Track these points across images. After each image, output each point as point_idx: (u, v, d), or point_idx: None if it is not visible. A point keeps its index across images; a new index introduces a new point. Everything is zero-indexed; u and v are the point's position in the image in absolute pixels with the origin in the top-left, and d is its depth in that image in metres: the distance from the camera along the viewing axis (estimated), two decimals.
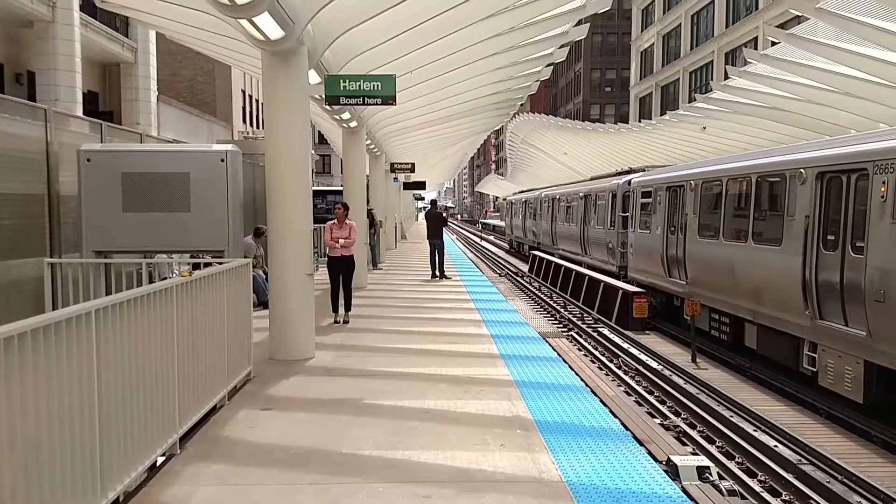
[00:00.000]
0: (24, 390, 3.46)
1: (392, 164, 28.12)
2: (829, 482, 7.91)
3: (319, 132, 44.93)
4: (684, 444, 9.43)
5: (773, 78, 19.41)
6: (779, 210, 12.13)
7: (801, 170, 11.38)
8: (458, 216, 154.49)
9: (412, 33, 10.90)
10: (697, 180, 15.74)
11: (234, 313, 7.14)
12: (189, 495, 4.85)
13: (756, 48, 32.36)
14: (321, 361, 8.94)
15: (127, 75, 28.23)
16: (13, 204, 7.86)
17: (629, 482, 5.10)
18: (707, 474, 7.79)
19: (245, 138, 37.43)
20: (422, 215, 71.76)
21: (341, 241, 11.58)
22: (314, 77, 10.18)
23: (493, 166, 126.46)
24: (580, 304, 21.58)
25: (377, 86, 10.11)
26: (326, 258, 12.10)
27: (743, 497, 7.83)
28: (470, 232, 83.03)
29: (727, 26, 44.78)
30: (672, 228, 17.00)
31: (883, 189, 9.41)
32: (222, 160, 8.57)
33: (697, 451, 9.15)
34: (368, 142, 19.39)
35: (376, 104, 10.44)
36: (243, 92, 43.98)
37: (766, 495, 7.87)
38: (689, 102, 36.50)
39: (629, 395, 11.85)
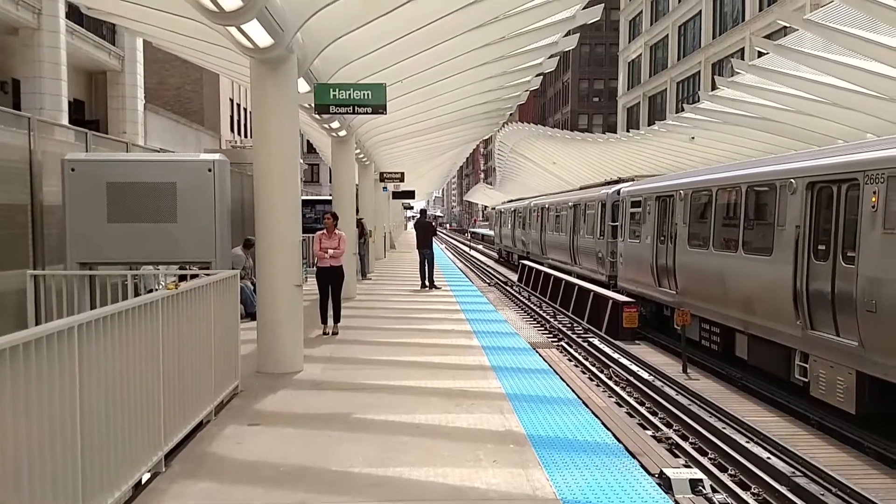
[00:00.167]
0: (2, 409, 3.33)
1: (381, 174, 28.02)
2: (823, 494, 7.86)
3: (308, 141, 44.81)
4: (677, 456, 9.36)
5: (762, 88, 19.47)
6: (769, 220, 12.13)
7: (792, 180, 11.38)
8: (447, 225, 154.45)
9: (402, 42, 10.84)
10: (687, 190, 15.74)
11: (222, 326, 7.00)
12: None
13: (743, 59, 32.61)
14: (310, 375, 8.81)
15: (113, 83, 28.04)
16: None
17: (624, 498, 5.00)
18: (700, 487, 7.72)
19: (233, 147, 37.23)
20: (411, 224, 71.66)
21: (330, 251, 11.46)
22: (303, 86, 10.08)
23: (482, 175, 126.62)
24: (570, 314, 21.53)
25: (368, 94, 10.02)
26: (315, 269, 11.97)
27: None
28: (459, 241, 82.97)
29: (714, 37, 45.07)
30: (662, 238, 16.99)
31: (874, 199, 9.40)
32: (210, 170, 8.45)
33: (690, 464, 9.08)
34: (358, 151, 19.29)
35: (367, 113, 10.34)
36: (231, 100, 43.82)
37: None
38: (677, 113, 36.66)
39: (620, 406, 11.77)
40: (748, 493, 8.30)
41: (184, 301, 5.87)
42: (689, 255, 15.40)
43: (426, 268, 18.62)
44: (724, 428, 10.05)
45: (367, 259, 21.39)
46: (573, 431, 6.51)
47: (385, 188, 30.29)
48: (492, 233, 62.66)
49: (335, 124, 14.56)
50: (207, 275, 7.34)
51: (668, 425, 10.73)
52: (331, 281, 11.60)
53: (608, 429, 8.07)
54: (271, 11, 7.29)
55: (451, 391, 7.93)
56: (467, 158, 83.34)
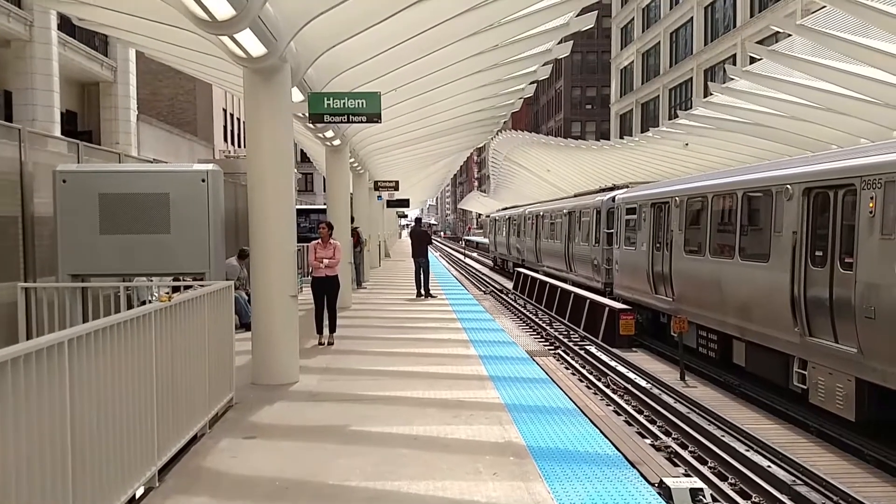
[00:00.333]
0: None
1: (376, 182, 27.96)
2: (824, 503, 7.79)
3: (301, 150, 44.79)
4: (676, 464, 9.29)
5: (755, 94, 19.50)
6: (766, 226, 12.09)
7: (788, 185, 11.35)
8: (442, 233, 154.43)
9: (396, 50, 10.79)
10: (682, 196, 15.72)
11: (216, 338, 6.91)
12: None
13: (735, 65, 32.69)
14: (306, 386, 8.71)
15: (106, 94, 27.94)
16: None
17: None
18: (701, 497, 7.62)
19: (226, 157, 37.16)
20: (405, 233, 71.62)
21: (326, 260, 11.38)
22: (297, 95, 10.02)
23: (476, 183, 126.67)
24: (566, 322, 21.46)
25: (362, 103, 9.96)
26: (311, 278, 11.88)
27: None
28: (453, 249, 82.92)
29: (706, 44, 45.25)
30: (657, 245, 16.95)
31: (871, 204, 9.37)
32: (203, 180, 8.34)
33: (690, 473, 9.00)
34: (352, 160, 19.23)
35: (361, 122, 10.27)
36: (224, 111, 43.75)
37: None
38: (670, 119, 36.74)
39: (619, 414, 11.70)
40: (749, 501, 8.23)
41: (177, 313, 5.78)
42: (685, 262, 15.36)
43: (422, 276, 18.54)
44: (723, 436, 9.98)
45: (362, 268, 21.29)
46: (573, 442, 6.43)
47: (380, 197, 30.24)
48: (486, 241, 62.66)
49: (329, 133, 14.50)
50: (202, 286, 7.25)
51: (667, 434, 10.66)
52: (326, 291, 11.52)
53: (608, 438, 8.00)
54: (264, 21, 7.23)
55: (448, 402, 7.84)
56: (461, 166, 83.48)
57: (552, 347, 18.13)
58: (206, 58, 10.84)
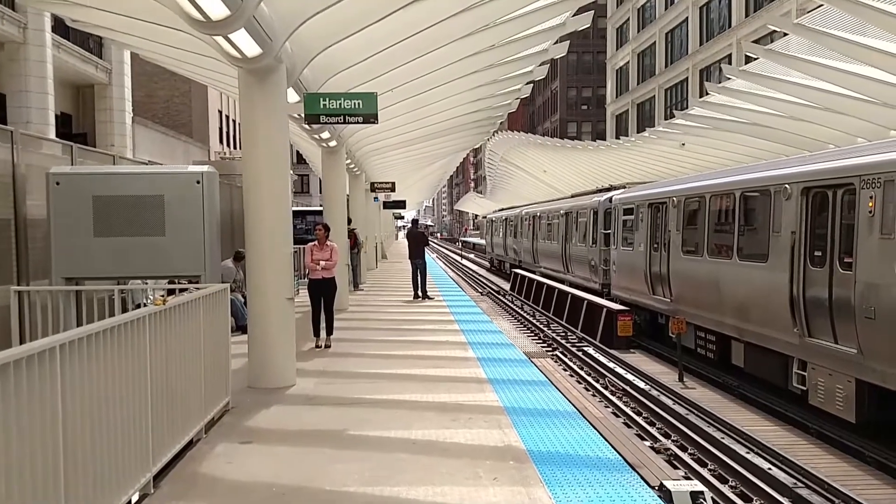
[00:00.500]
0: None
1: (372, 184, 27.89)
2: None
3: (297, 152, 44.68)
4: (676, 467, 9.22)
5: (752, 94, 19.47)
6: (764, 226, 12.04)
7: (786, 185, 11.30)
8: (438, 234, 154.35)
9: (392, 51, 10.73)
10: (680, 197, 15.67)
11: (212, 341, 6.83)
12: None
13: (730, 65, 32.69)
14: (303, 389, 8.63)
15: (101, 97, 27.82)
16: None
17: None
18: (701, 500, 7.54)
19: (222, 159, 37.03)
20: (401, 234, 71.50)
21: (322, 262, 11.29)
22: (293, 96, 9.94)
23: (473, 184, 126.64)
24: (563, 323, 21.40)
25: (358, 104, 9.88)
26: (307, 281, 11.80)
27: None
28: (450, 250, 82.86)
29: (701, 44, 45.27)
30: (655, 245, 16.90)
31: (871, 204, 9.32)
32: (198, 182, 8.28)
33: (690, 475, 8.94)
34: (348, 161, 19.16)
35: (358, 123, 10.19)
36: (220, 112, 43.64)
37: None
38: (666, 119, 36.74)
39: (617, 416, 11.63)
40: None
41: (172, 316, 5.70)
42: (683, 263, 15.30)
43: (419, 278, 18.46)
44: (723, 438, 9.91)
45: (359, 270, 21.22)
46: (573, 446, 6.36)
47: (376, 198, 30.16)
48: (483, 242, 62.58)
49: (325, 134, 14.43)
50: (197, 288, 7.17)
51: (667, 436, 10.59)
52: (323, 293, 11.43)
53: (607, 441, 7.93)
54: (259, 21, 7.16)
55: (447, 405, 7.77)
56: (457, 168, 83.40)
57: (550, 349, 18.06)
58: (200, 59, 10.76)
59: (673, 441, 10.31)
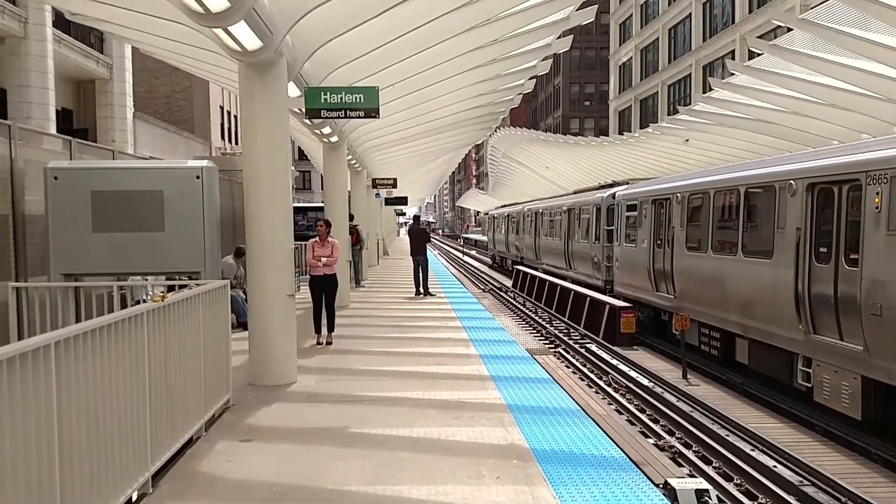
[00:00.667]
0: None
1: (374, 180, 27.79)
2: None
3: (299, 148, 44.57)
4: (680, 465, 9.14)
5: (756, 89, 19.35)
6: (768, 222, 11.94)
7: (792, 181, 11.20)
8: (440, 231, 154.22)
9: (394, 45, 10.62)
10: (684, 193, 15.56)
11: (212, 338, 6.75)
12: None
13: (734, 61, 32.51)
14: (304, 386, 8.55)
15: (102, 92, 27.72)
16: None
17: None
18: (706, 498, 7.47)
19: (223, 154, 36.94)
20: (403, 230, 71.45)
21: (324, 259, 11.22)
22: (293, 90, 9.84)
23: (474, 181, 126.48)
24: (566, 320, 21.31)
25: (360, 98, 9.79)
26: (308, 277, 11.72)
27: None
28: (452, 247, 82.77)
29: (704, 40, 45.09)
30: (659, 242, 16.80)
31: (877, 200, 9.23)
32: (198, 177, 8.19)
33: (694, 473, 8.86)
34: (350, 157, 19.06)
35: (359, 117, 10.10)
36: (221, 108, 43.51)
37: None
38: (669, 115, 36.59)
39: (621, 413, 11.56)
40: (755, 503, 8.08)
41: (171, 313, 5.62)
42: (686, 259, 15.21)
43: (420, 274, 18.38)
44: (727, 435, 9.83)
45: (361, 266, 21.14)
46: (577, 444, 6.28)
47: (377, 194, 30.08)
48: (485, 238, 62.49)
49: (326, 130, 14.33)
50: (198, 285, 7.09)
51: (671, 433, 10.51)
52: (324, 289, 11.36)
53: (611, 439, 7.85)
54: (259, 13, 7.06)
55: (449, 402, 7.69)
56: (459, 164, 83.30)
57: (553, 346, 17.98)
58: (201, 52, 10.67)
59: (677, 438, 10.23)
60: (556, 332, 19.49)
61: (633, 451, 8.92)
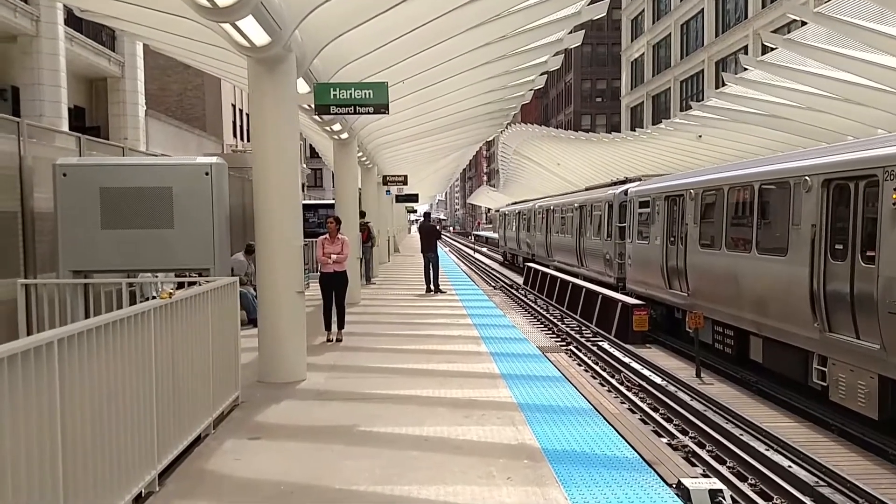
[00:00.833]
0: None
1: (384, 177, 27.74)
2: None
3: (311, 145, 44.62)
4: (694, 464, 9.03)
5: (770, 84, 19.15)
6: (783, 219, 11.79)
7: (807, 177, 11.04)
8: (451, 228, 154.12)
9: (403, 41, 10.55)
10: (698, 189, 15.41)
11: (220, 335, 6.71)
12: None
13: (747, 56, 32.24)
14: (313, 384, 8.50)
15: (114, 90, 27.79)
16: None
17: None
18: (720, 498, 7.36)
19: (233, 151, 37.00)
20: (414, 228, 71.40)
21: (333, 256, 11.16)
22: (303, 86, 9.79)
23: (485, 178, 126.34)
24: (577, 317, 21.18)
25: (369, 94, 9.72)
26: (318, 274, 11.67)
27: None
28: (463, 244, 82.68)
29: (717, 35, 44.75)
30: (672, 239, 16.65)
31: (894, 196, 9.07)
32: (207, 173, 8.15)
33: (708, 473, 8.74)
34: (360, 154, 19.01)
35: (368, 113, 10.04)
36: (233, 106, 43.60)
37: None
38: (681, 111, 36.33)
39: (633, 412, 11.44)
40: (770, 503, 7.96)
41: (178, 310, 5.57)
42: (700, 256, 15.06)
43: (431, 272, 18.31)
44: (741, 435, 9.70)
45: (372, 263, 21.10)
46: (589, 444, 6.19)
47: (388, 191, 30.02)
48: (496, 235, 62.35)
49: (337, 126, 14.28)
50: (208, 281, 7.05)
51: (684, 432, 10.40)
52: (334, 286, 11.31)
53: (624, 438, 7.75)
54: (267, 8, 7.01)
55: (459, 401, 7.62)
56: (470, 161, 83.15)
57: (564, 343, 17.87)
58: (210, 49, 10.62)
59: (691, 438, 10.12)
60: (568, 329, 19.38)
61: (645, 450, 8.81)
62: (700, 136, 26.25)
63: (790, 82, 18.36)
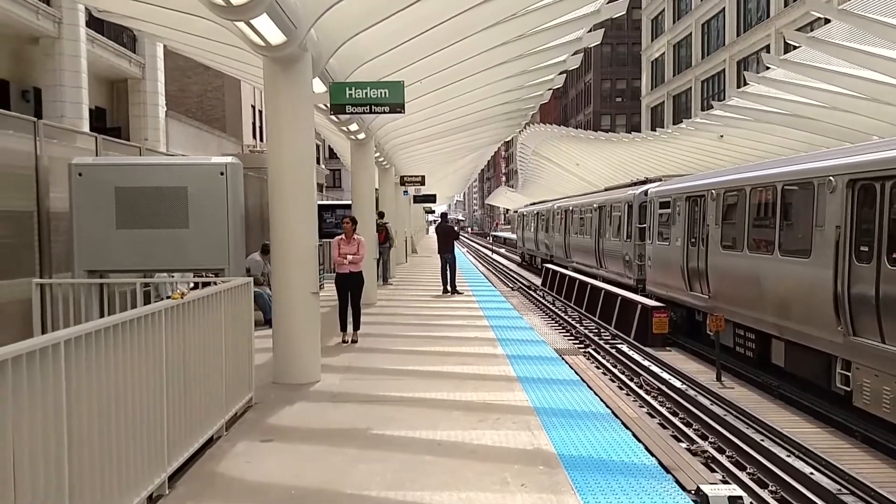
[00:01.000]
0: None
1: (402, 177, 27.69)
2: None
3: (329, 146, 44.69)
4: (713, 470, 8.85)
5: (793, 83, 18.87)
6: (807, 220, 11.57)
7: (831, 177, 10.83)
8: (469, 229, 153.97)
9: (420, 40, 10.47)
10: (719, 189, 15.19)
11: (234, 336, 6.66)
12: None
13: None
14: (328, 385, 8.43)
15: (135, 91, 27.99)
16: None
17: None
18: None
19: (251, 152, 37.10)
20: (432, 228, 71.35)
21: (349, 256, 11.10)
22: (319, 86, 9.73)
23: (504, 178, 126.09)
24: (596, 319, 20.99)
25: (385, 93, 9.64)
26: (334, 274, 11.62)
27: None
28: (481, 245, 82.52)
29: (738, 35, 44.29)
30: (693, 240, 16.44)
31: None
32: (222, 173, 8.12)
33: (728, 479, 8.56)
34: (377, 154, 18.96)
35: (384, 112, 9.96)
36: (253, 107, 43.78)
37: None
38: (702, 111, 35.97)
39: (652, 416, 11.26)
40: None
41: (191, 311, 5.52)
42: (721, 258, 14.84)
43: (448, 272, 18.21)
44: (762, 440, 9.51)
45: (389, 264, 21.05)
46: (606, 450, 6.06)
47: (406, 192, 29.96)
48: (514, 236, 62.15)
49: (353, 127, 14.23)
50: (224, 282, 7.01)
51: (704, 437, 10.22)
52: (350, 287, 11.25)
53: (642, 443, 7.62)
54: (282, 6, 6.95)
55: (474, 404, 7.51)
56: (489, 161, 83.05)
57: (582, 346, 17.70)
58: (227, 49, 10.59)
59: (710, 443, 9.94)
60: (586, 331, 19.20)
61: (664, 455, 8.67)
62: (721, 136, 25.96)
63: (814, 81, 18.08)
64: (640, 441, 6.82)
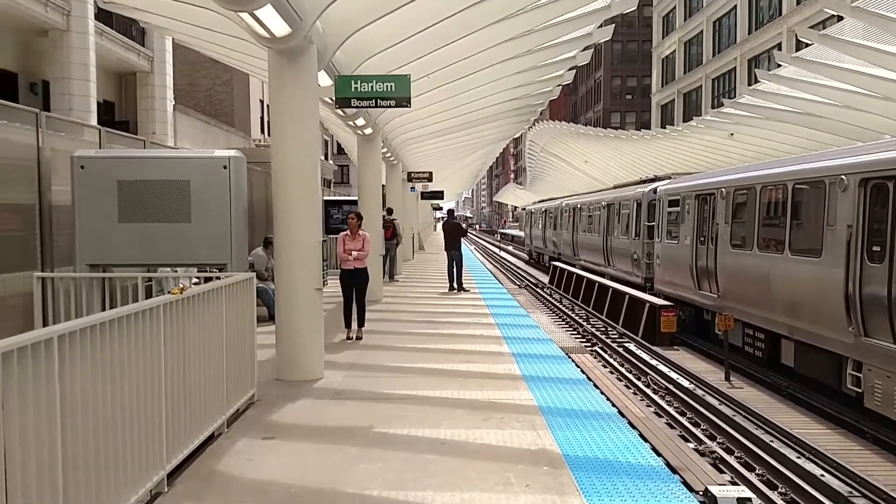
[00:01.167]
0: None
1: (409, 173, 27.58)
2: None
3: (337, 142, 44.63)
4: (722, 471, 8.74)
5: (804, 81, 18.66)
6: (818, 219, 11.42)
7: (843, 176, 10.67)
8: (477, 226, 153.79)
9: (427, 34, 10.36)
10: (729, 188, 15.03)
11: (235, 332, 6.57)
12: None
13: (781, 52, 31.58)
14: (331, 382, 8.35)
15: (143, 84, 27.95)
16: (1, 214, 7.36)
17: None
18: None
19: (257, 146, 37.06)
20: (440, 225, 71.29)
21: (354, 253, 11.00)
22: (325, 79, 9.64)
23: (512, 176, 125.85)
24: (604, 318, 20.87)
25: (391, 87, 9.53)
26: (339, 270, 11.52)
27: None
28: (488, 242, 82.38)
29: (750, 32, 43.98)
30: (702, 238, 16.29)
31: None
32: (225, 167, 8.03)
33: (736, 480, 8.45)
34: (384, 150, 18.86)
35: (390, 106, 9.86)
36: (261, 102, 43.76)
37: None
38: (713, 109, 35.72)
39: (660, 416, 11.16)
40: None
41: (191, 306, 5.43)
42: (731, 257, 14.69)
43: (454, 270, 18.10)
44: (771, 441, 9.39)
45: (396, 261, 20.95)
46: (613, 450, 5.94)
47: (413, 188, 29.86)
48: (522, 234, 62.00)
49: (360, 121, 14.13)
50: (227, 276, 6.92)
51: (712, 437, 10.10)
52: (355, 283, 11.15)
53: (649, 443, 7.51)
54: None
55: (479, 403, 7.41)
56: (497, 158, 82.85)
57: (589, 344, 17.57)
58: (233, 41, 10.53)
59: (719, 444, 9.82)
60: (594, 330, 19.08)
61: (672, 455, 8.57)
62: (732, 134, 25.75)
63: (826, 79, 17.88)
64: (646, 441, 6.71)
